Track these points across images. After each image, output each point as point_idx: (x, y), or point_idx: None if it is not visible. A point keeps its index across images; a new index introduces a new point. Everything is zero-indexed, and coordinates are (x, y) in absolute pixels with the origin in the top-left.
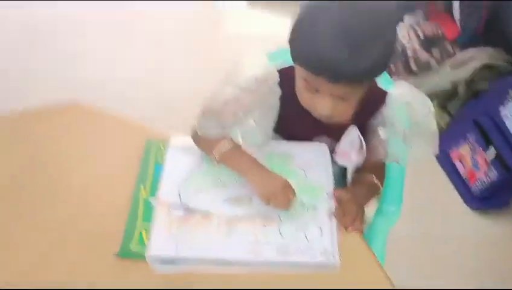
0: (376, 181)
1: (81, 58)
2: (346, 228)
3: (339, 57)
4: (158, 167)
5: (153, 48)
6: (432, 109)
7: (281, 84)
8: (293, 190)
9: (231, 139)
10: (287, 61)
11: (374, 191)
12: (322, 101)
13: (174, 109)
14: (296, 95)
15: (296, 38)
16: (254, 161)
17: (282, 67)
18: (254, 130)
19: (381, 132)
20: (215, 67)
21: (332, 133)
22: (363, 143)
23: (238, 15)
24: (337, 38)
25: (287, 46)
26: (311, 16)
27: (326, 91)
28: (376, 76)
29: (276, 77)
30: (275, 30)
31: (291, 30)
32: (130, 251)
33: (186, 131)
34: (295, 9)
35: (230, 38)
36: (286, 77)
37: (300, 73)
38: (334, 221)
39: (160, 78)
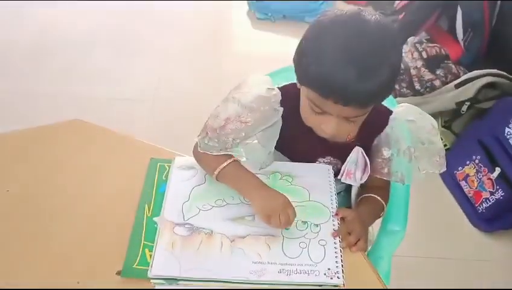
0: (380, 201)
1: (87, 76)
2: (350, 248)
3: (348, 81)
4: (162, 186)
5: (158, 67)
6: (436, 125)
7: (283, 102)
8: (294, 208)
9: (232, 157)
10: (289, 80)
11: (378, 211)
12: (328, 122)
13: (178, 128)
14: (299, 114)
15: (303, 61)
16: (254, 179)
17: (284, 86)
18: (256, 149)
19: (385, 151)
20: (221, 86)
21: (336, 152)
22: (368, 162)
23: (244, 35)
24: (345, 62)
25: (289, 65)
26: (318, 39)
27: (332, 113)
28: (383, 98)
29: (279, 96)
30: (279, 50)
31: (297, 52)
32: (133, 270)
33: (190, 150)
34: (298, 29)
35: (237, 57)
36: (288, 95)
37: (305, 94)
38: (338, 240)
39: (166, 96)
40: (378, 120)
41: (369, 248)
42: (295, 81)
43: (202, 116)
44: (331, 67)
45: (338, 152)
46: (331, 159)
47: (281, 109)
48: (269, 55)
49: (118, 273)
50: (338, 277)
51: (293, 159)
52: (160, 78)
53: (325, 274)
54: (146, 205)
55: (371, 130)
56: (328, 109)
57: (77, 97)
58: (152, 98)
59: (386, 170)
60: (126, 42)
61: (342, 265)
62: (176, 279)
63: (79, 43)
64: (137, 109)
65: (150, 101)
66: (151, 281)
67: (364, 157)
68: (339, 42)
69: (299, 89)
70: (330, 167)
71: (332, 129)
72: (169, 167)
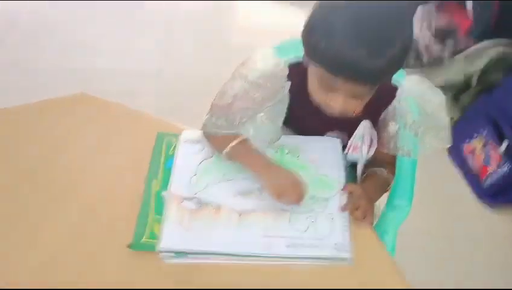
0: (387, 175)
1: (90, 49)
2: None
3: (359, 58)
4: (169, 160)
5: (163, 40)
6: (443, 99)
7: (291, 78)
8: (304, 185)
9: (241, 136)
10: (296, 54)
11: (385, 186)
12: (337, 99)
13: (184, 101)
14: (306, 89)
15: (313, 38)
16: (264, 157)
17: (291, 61)
18: (264, 125)
19: (392, 125)
20: (226, 59)
21: (343, 127)
22: (375, 136)
23: (249, 7)
24: (356, 39)
25: (295, 38)
26: (328, 14)
27: (342, 90)
28: (394, 73)
29: (286, 71)
30: (285, 23)
31: (306, 28)
32: (142, 244)
33: (197, 123)
34: (305, 2)
35: (243, 28)
36: (296, 71)
37: (315, 71)
38: (346, 215)
39: (171, 70)
40: (386, 94)
41: (375, 222)
42: (302, 54)
43: (209, 89)
44: (342, 45)
45: (345, 126)
46: (339, 133)
47: (288, 84)
48: (276, 27)
49: (128, 246)
50: (346, 250)
51: (301, 134)
52: (165, 52)
53: (333, 248)
54: (154, 179)
55: (379, 104)
56: (338, 86)
57: (81, 72)
58: (157, 72)
59: (392, 144)
60: (129, 16)
61: (350, 239)
62: (184, 252)
63: (82, 15)
64: (142, 83)
65: (156, 74)
66: (160, 254)
67: (371, 131)
68: (349, 18)
69: (307, 64)
70: (339, 140)
71: (341, 106)
72: (176, 140)
